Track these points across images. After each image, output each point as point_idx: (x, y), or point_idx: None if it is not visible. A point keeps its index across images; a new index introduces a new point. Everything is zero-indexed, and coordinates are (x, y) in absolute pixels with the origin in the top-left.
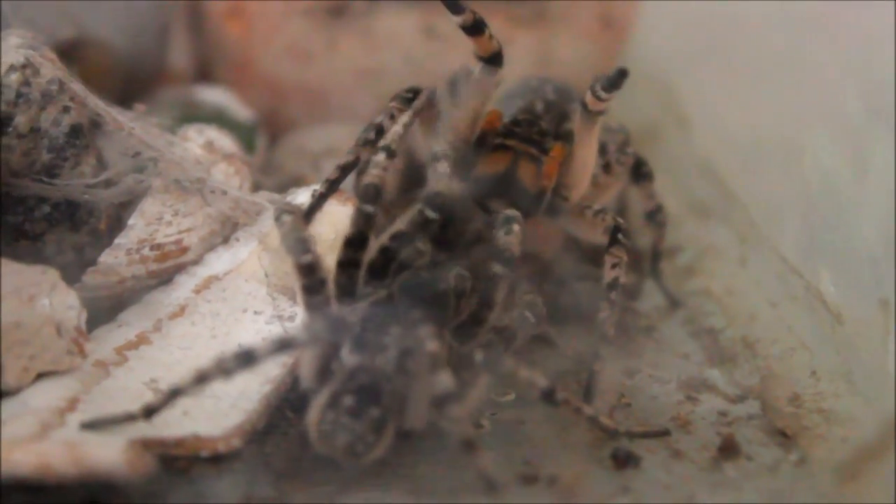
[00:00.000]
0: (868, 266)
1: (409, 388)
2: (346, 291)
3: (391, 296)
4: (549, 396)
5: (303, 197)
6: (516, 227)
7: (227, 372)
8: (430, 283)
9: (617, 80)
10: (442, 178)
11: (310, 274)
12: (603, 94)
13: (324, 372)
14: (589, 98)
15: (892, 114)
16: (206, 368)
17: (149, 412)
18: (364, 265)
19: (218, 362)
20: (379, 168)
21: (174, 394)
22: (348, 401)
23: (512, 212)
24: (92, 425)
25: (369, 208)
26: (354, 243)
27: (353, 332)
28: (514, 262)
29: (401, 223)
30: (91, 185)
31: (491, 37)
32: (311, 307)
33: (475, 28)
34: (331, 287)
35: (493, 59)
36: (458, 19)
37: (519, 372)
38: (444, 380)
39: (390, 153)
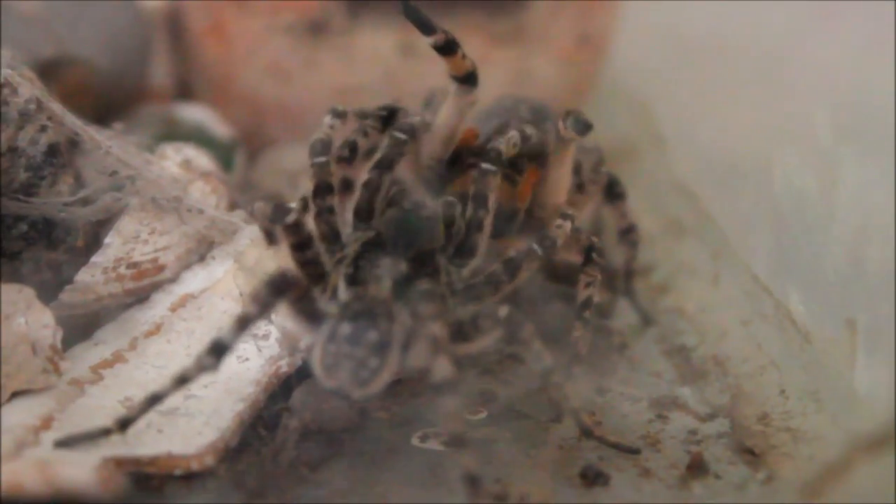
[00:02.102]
0: (836, 285)
1: (408, 320)
2: (331, 238)
3: (379, 234)
4: (546, 377)
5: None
6: (513, 133)
7: (206, 368)
8: (416, 212)
9: (582, 129)
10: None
11: (296, 232)
12: (571, 133)
13: (313, 319)
14: (561, 127)
15: (860, 134)
16: (186, 369)
17: (124, 424)
18: (341, 211)
19: (196, 361)
20: (326, 126)
21: (153, 401)
22: (345, 329)
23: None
24: (66, 442)
25: (321, 159)
26: (320, 191)
27: (341, 271)
28: (502, 161)
29: (377, 155)
30: (68, 203)
31: (464, 56)
32: (302, 264)
33: (447, 48)
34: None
35: (468, 79)
36: (429, 40)
37: (533, 341)
38: (444, 367)
39: (338, 114)
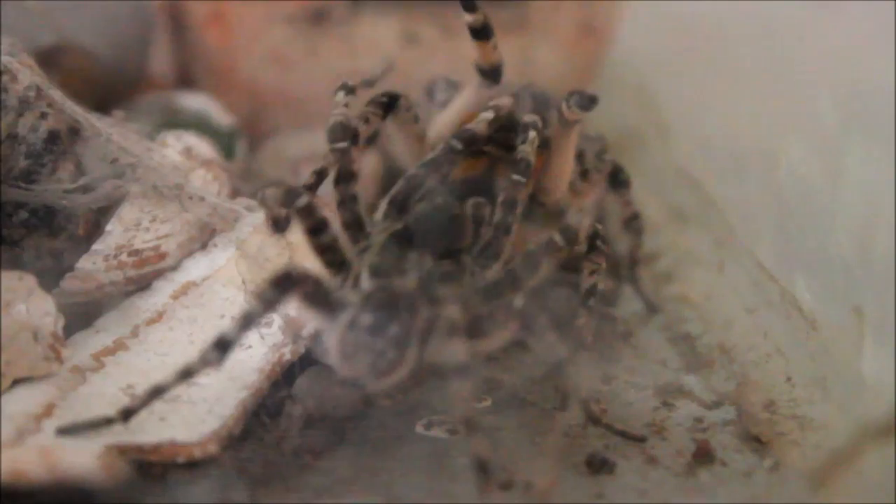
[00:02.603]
0: (842, 273)
1: (429, 313)
2: (354, 226)
3: (407, 227)
4: (559, 368)
5: None
6: (532, 135)
7: (211, 363)
8: (448, 210)
9: (587, 104)
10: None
11: (309, 215)
12: (576, 111)
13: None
14: (564, 108)
15: (866, 122)
16: (190, 363)
17: (127, 414)
18: (360, 200)
19: (201, 355)
20: (340, 107)
21: (156, 392)
22: (367, 319)
23: (531, 117)
24: (68, 430)
25: (342, 145)
26: (343, 179)
27: (365, 261)
28: (531, 170)
29: (430, 155)
30: (69, 190)
31: (495, 47)
32: (319, 250)
33: (483, 32)
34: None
35: (493, 74)
36: (469, 18)
37: (547, 332)
38: (458, 351)
39: (349, 90)
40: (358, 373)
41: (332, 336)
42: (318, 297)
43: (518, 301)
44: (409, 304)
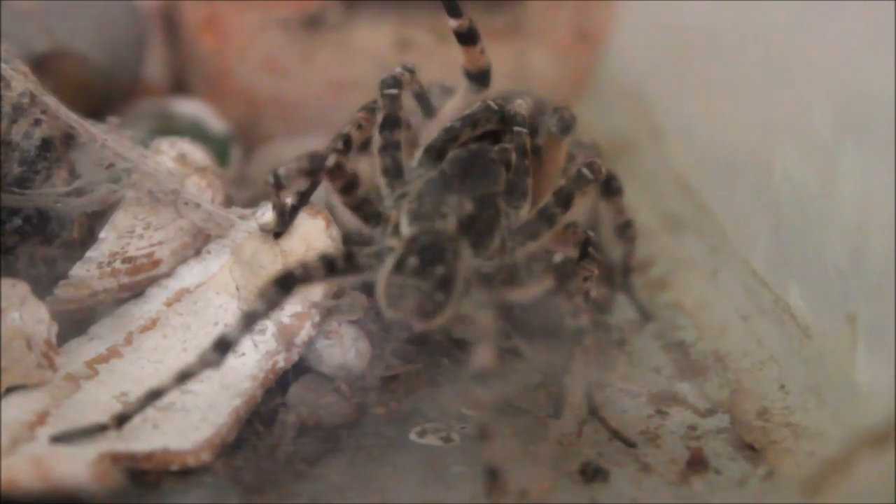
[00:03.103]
0: (836, 280)
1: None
2: (394, 173)
3: (444, 173)
4: (578, 334)
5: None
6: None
7: (210, 364)
8: (483, 155)
9: (567, 127)
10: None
11: (341, 173)
12: (556, 132)
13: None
14: (549, 124)
15: (860, 129)
16: (189, 365)
17: (121, 420)
18: (404, 146)
19: (200, 357)
20: (401, 67)
21: (152, 397)
22: (413, 261)
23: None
24: (62, 438)
25: (393, 91)
26: (389, 124)
27: (404, 207)
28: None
29: (468, 111)
30: (63, 193)
31: (482, 51)
32: (353, 207)
33: (469, 37)
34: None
35: (481, 78)
36: (454, 23)
37: (578, 296)
38: (484, 356)
39: (409, 69)
40: (404, 314)
41: (378, 281)
42: (347, 266)
43: (557, 257)
44: (452, 247)
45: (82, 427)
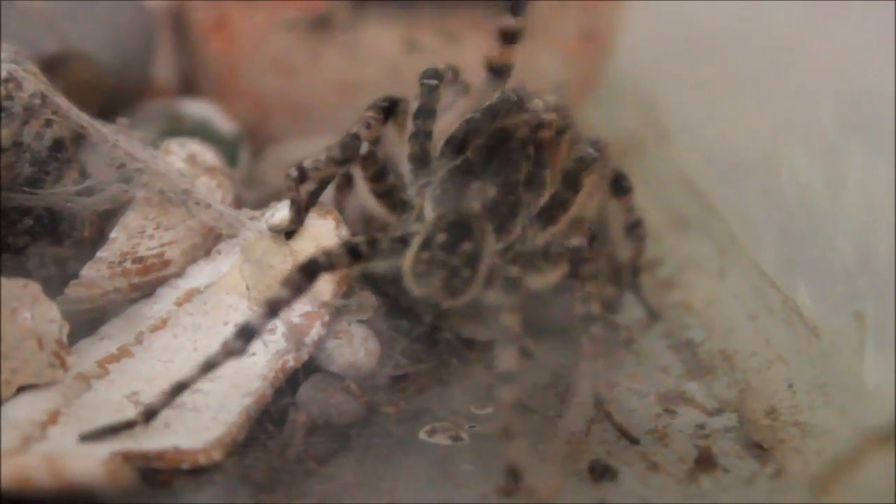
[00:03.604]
0: (843, 279)
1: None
2: (420, 161)
3: (467, 161)
4: (588, 318)
5: (284, 211)
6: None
7: (234, 352)
8: (506, 143)
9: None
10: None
11: (373, 161)
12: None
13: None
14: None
15: (866, 128)
16: (213, 355)
17: (148, 415)
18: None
19: (223, 346)
20: (442, 63)
21: (179, 389)
22: (440, 238)
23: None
24: (91, 436)
25: (432, 82)
26: (423, 114)
27: (427, 194)
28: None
29: (488, 102)
30: (74, 193)
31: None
32: (380, 195)
33: (516, 37)
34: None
35: (503, 72)
36: (512, 21)
37: (590, 285)
38: (511, 358)
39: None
40: (431, 290)
41: (405, 259)
42: (370, 251)
43: (575, 241)
44: (478, 226)
45: (111, 424)
